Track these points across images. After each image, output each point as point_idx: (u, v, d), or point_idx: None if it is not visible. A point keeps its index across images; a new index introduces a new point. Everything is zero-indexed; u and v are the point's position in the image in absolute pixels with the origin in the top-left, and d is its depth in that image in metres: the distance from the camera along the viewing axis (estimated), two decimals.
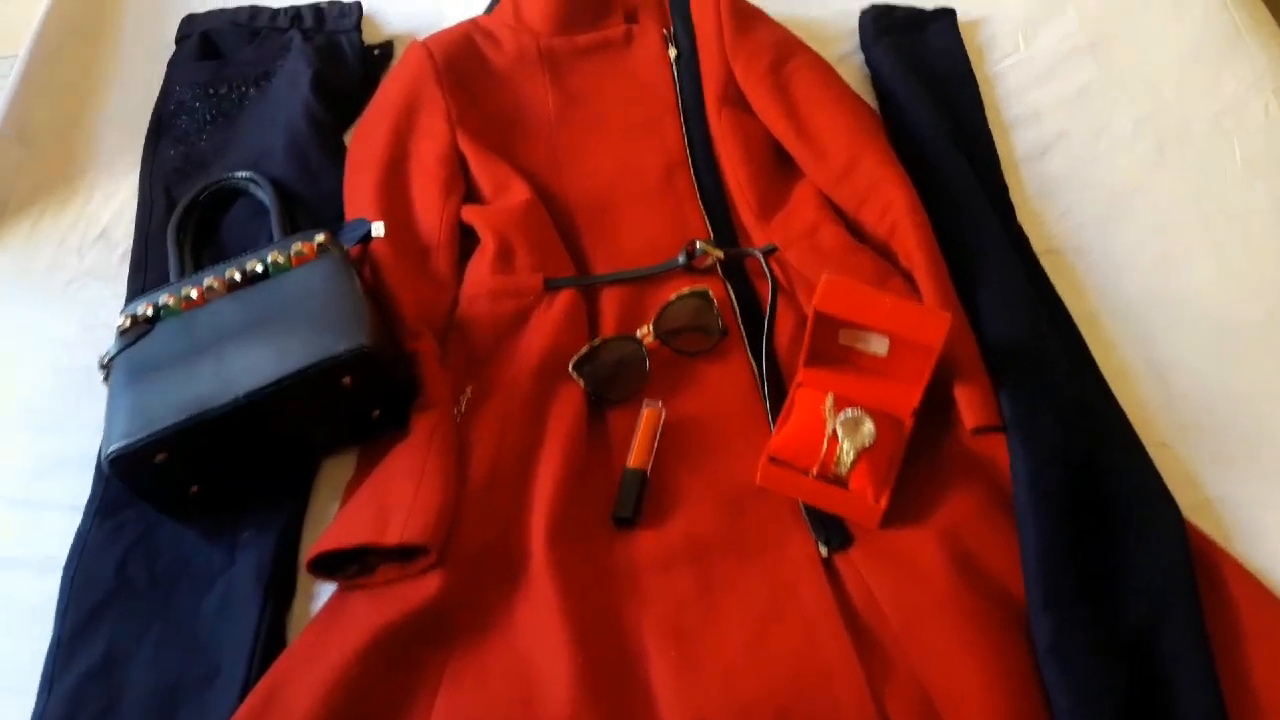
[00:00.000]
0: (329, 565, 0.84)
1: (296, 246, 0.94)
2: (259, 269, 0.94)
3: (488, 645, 0.79)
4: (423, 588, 0.80)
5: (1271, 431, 0.88)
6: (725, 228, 1.03)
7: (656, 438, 0.90)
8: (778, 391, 0.92)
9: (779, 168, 1.05)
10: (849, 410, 0.85)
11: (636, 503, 0.86)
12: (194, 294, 0.93)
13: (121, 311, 0.94)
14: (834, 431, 0.85)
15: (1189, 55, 1.14)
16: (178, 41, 1.25)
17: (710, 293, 0.96)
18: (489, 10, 1.19)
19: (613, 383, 0.93)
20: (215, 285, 0.94)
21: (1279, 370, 0.91)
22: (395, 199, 1.03)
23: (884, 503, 0.84)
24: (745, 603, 0.81)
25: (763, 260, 0.98)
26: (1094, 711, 0.71)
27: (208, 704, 0.79)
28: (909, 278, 0.94)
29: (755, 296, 0.98)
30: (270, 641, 0.82)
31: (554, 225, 1.02)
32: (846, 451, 0.84)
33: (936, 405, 0.88)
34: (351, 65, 1.20)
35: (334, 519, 0.86)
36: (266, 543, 0.87)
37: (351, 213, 1.04)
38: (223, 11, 1.26)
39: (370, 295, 0.93)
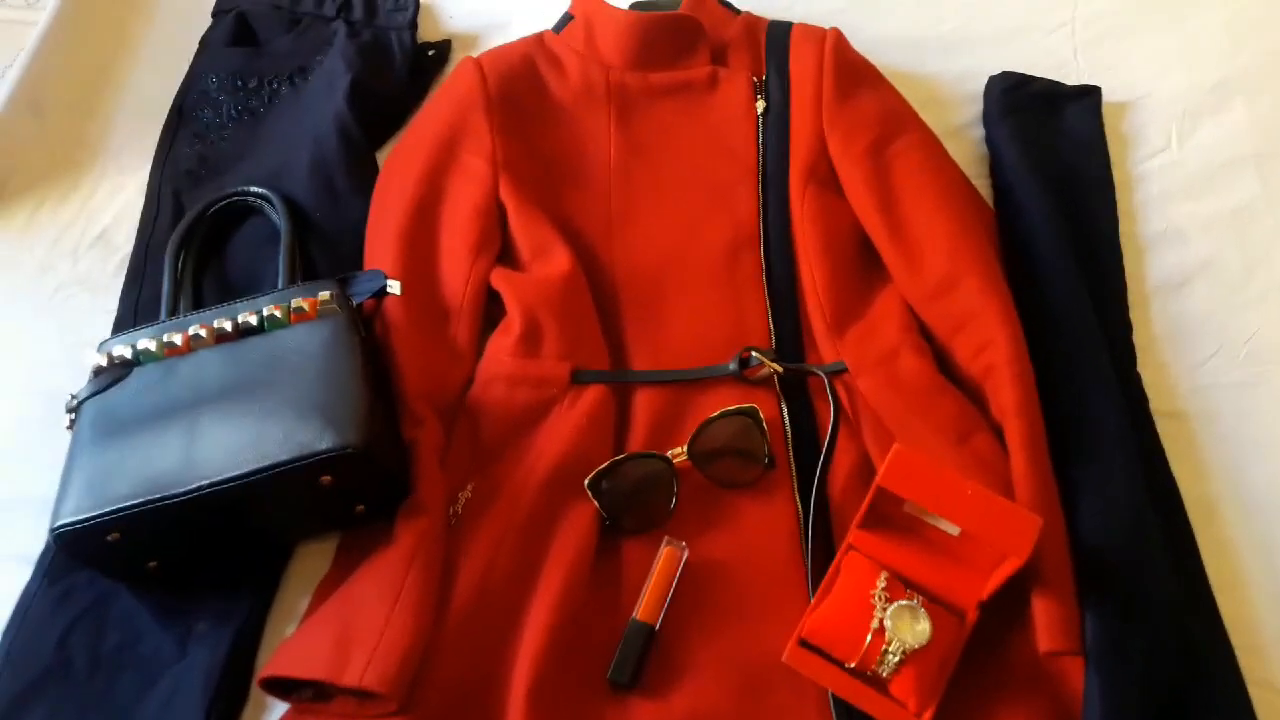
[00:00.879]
0: (284, 683, 0.73)
1: (297, 302, 0.83)
2: (252, 321, 0.83)
3: None
4: None
5: None
6: (790, 331, 0.89)
7: (673, 585, 0.78)
8: (823, 543, 0.78)
9: (863, 267, 0.90)
10: (902, 600, 0.72)
11: (637, 665, 0.74)
12: (178, 340, 0.83)
13: (100, 346, 0.84)
14: (881, 624, 0.71)
15: None
16: (214, 16, 1.12)
17: (760, 413, 0.82)
18: (559, 27, 1.03)
19: (633, 508, 0.81)
20: (203, 334, 0.83)
21: None
22: (419, 249, 0.90)
23: (928, 717, 0.70)
24: None
25: (827, 383, 0.83)
26: None
27: None
28: (998, 431, 0.80)
29: (813, 422, 0.84)
30: None
31: (594, 301, 0.89)
32: (893, 651, 0.71)
33: (1006, 593, 0.74)
34: (399, 69, 1.06)
35: (294, 633, 0.76)
36: (222, 639, 0.78)
37: (371, 256, 0.91)
38: None
39: (372, 367, 0.82)
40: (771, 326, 0.88)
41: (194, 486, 0.73)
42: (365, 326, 0.85)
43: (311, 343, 0.81)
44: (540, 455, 0.82)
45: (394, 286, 0.87)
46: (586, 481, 0.80)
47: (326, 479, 0.75)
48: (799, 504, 0.80)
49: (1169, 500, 0.79)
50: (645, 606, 0.76)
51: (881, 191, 0.90)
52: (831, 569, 0.76)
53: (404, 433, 0.81)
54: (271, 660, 0.73)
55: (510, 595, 0.76)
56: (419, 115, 1.00)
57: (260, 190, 0.96)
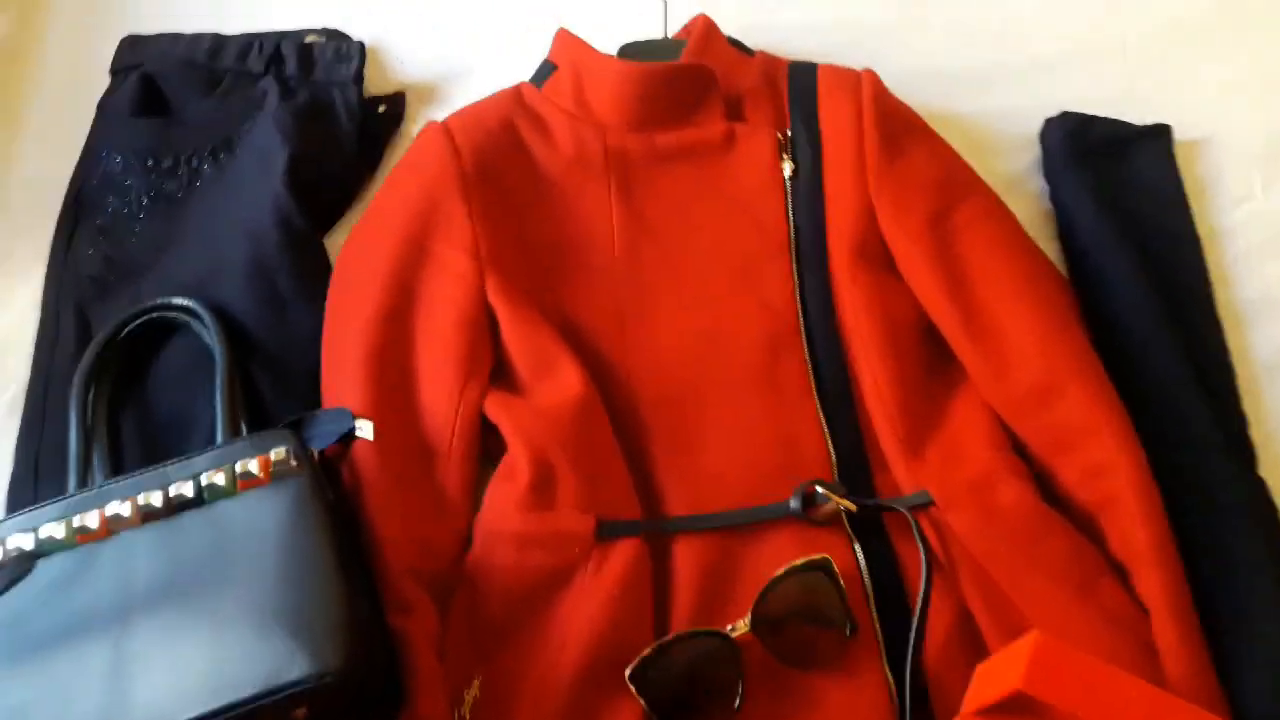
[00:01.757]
0: None
1: (244, 465, 0.65)
2: (188, 493, 0.65)
3: None
4: None
5: None
6: (851, 449, 0.73)
7: None
8: None
9: (933, 363, 0.75)
10: None
11: None
12: (93, 524, 0.65)
13: None
14: None
15: None
16: (113, 73, 0.92)
17: (834, 566, 0.67)
18: (540, 79, 0.86)
19: (688, 704, 0.65)
20: (125, 513, 0.65)
21: None
22: (392, 375, 0.73)
23: None
24: None
25: (913, 524, 0.68)
26: None
27: None
28: (1120, 569, 0.66)
29: (896, 571, 0.69)
30: None
31: (613, 429, 0.73)
32: None
33: None
34: (345, 133, 0.88)
35: None
36: None
37: (331, 387, 0.74)
38: (175, 40, 0.92)
39: (347, 544, 0.64)
40: (830, 446, 0.73)
41: None
42: (332, 483, 0.68)
43: (266, 520, 0.64)
44: (565, 638, 0.65)
45: (364, 428, 0.70)
46: (628, 672, 0.64)
47: (300, 713, 0.58)
48: (890, 679, 0.66)
49: None
50: None
51: (949, 274, 0.75)
52: None
53: (389, 620, 0.64)
54: None
55: None
56: (378, 197, 0.82)
57: (185, 302, 0.77)
